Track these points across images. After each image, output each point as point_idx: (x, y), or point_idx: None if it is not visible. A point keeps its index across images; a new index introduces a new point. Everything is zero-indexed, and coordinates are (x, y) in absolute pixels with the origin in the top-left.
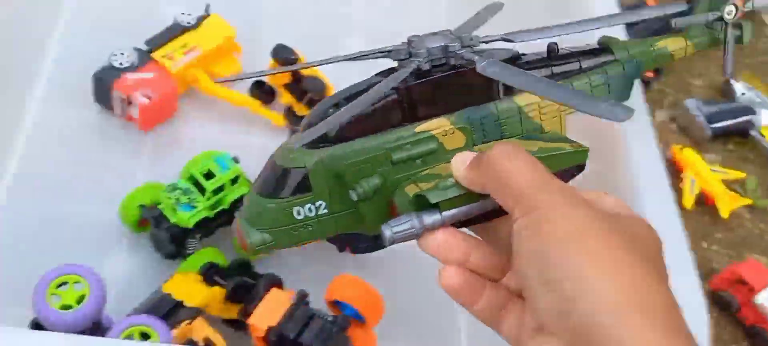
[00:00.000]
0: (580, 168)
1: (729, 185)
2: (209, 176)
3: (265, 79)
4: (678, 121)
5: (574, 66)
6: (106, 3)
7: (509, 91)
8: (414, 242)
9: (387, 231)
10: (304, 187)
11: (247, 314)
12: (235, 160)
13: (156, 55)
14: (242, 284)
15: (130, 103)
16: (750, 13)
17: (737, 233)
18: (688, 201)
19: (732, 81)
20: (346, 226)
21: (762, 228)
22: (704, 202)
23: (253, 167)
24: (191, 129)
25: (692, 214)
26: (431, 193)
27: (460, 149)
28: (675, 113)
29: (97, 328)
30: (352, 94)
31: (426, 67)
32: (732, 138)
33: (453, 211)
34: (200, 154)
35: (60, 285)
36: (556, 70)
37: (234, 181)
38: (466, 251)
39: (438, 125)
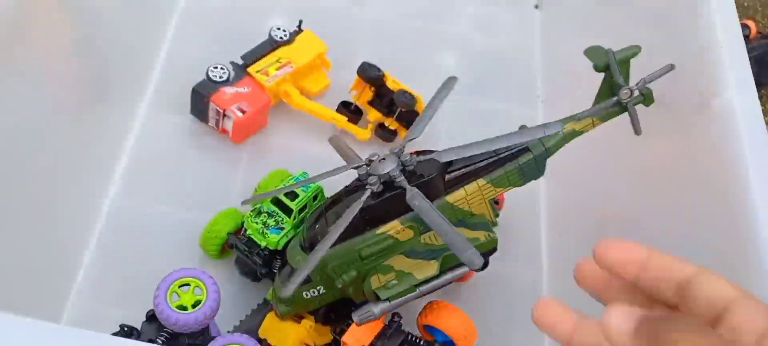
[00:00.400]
0: (493, 250)
1: None
2: (292, 196)
3: (351, 97)
4: None
5: (493, 159)
6: (209, 16)
7: (450, 185)
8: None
9: (355, 317)
10: (307, 280)
11: (340, 331)
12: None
13: (251, 69)
14: (330, 309)
15: (224, 116)
16: None
17: None
18: None
19: None
20: (339, 296)
21: None
22: None
23: (341, 181)
24: (281, 141)
25: None
26: (381, 291)
27: (410, 239)
28: None
29: (204, 333)
30: (331, 202)
31: (379, 189)
32: None
33: (396, 300)
34: (270, 173)
35: (182, 285)
36: (479, 165)
37: (315, 197)
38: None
39: (391, 227)
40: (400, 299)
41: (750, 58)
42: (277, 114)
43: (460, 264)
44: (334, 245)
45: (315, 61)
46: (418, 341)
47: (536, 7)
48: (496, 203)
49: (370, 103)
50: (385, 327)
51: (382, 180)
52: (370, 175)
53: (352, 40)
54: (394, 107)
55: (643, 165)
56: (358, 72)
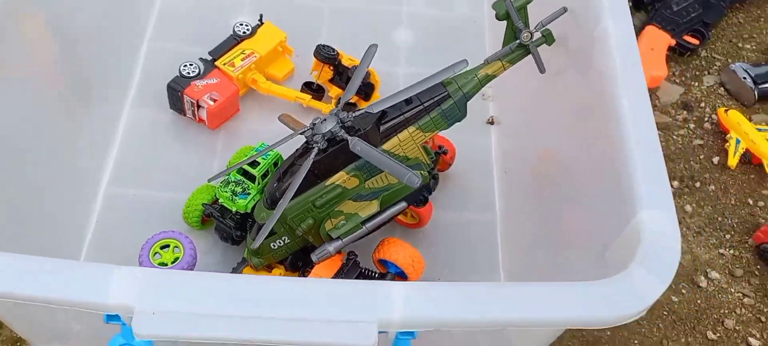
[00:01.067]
0: (426, 188)
1: None
2: (254, 165)
3: (312, 78)
4: (726, 86)
5: (420, 108)
6: (182, 18)
7: (384, 135)
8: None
9: (313, 256)
10: (273, 233)
11: (305, 273)
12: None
13: (219, 63)
14: (297, 257)
15: (198, 106)
16: None
17: None
18: (733, 161)
19: None
20: (301, 244)
21: None
22: (751, 160)
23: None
24: (253, 124)
25: (737, 173)
26: (333, 231)
27: (356, 187)
28: (723, 78)
29: None
30: (288, 166)
31: (324, 146)
32: None
33: (348, 237)
34: (239, 150)
35: (163, 247)
36: (408, 115)
37: (275, 164)
38: None
39: (339, 177)
40: (349, 236)
41: (695, 0)
42: (248, 100)
43: (399, 201)
44: (293, 198)
45: (277, 49)
46: (372, 273)
47: None
48: (445, 153)
49: (331, 81)
50: (344, 264)
51: (326, 138)
52: (314, 135)
53: (313, 27)
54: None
55: (561, 101)
56: (314, 54)
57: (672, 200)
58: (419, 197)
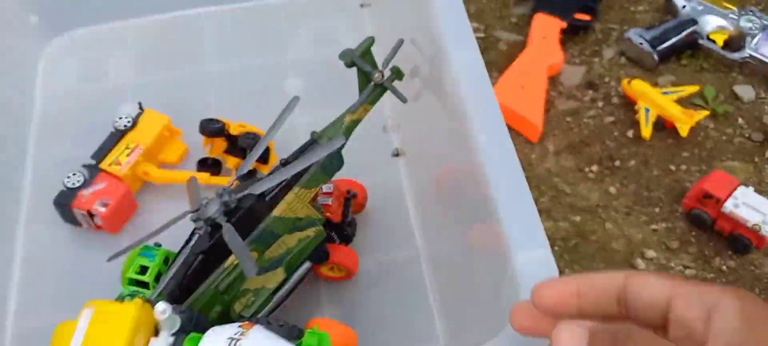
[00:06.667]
0: (324, 240)
1: (688, 101)
2: (143, 270)
3: (206, 153)
4: (627, 54)
5: (298, 168)
6: (64, 120)
7: (274, 202)
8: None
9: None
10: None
11: None
12: (157, 245)
13: (103, 164)
14: None
15: (92, 215)
16: None
17: (704, 146)
18: (647, 131)
19: None
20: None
21: (728, 133)
22: (665, 126)
23: None
24: (156, 217)
25: (654, 141)
26: (245, 311)
27: (256, 261)
28: (622, 47)
29: None
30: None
31: (208, 230)
32: (683, 54)
33: (261, 313)
34: (128, 256)
35: None
36: (289, 177)
37: (166, 261)
38: None
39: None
40: (262, 311)
41: None
42: (147, 194)
43: (303, 262)
44: (195, 290)
45: (163, 134)
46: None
47: (362, 6)
48: (355, 196)
49: (226, 152)
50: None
51: (209, 223)
52: (198, 219)
53: (199, 100)
54: (245, 150)
55: (437, 128)
56: (200, 131)
57: (545, 237)
58: (320, 253)
